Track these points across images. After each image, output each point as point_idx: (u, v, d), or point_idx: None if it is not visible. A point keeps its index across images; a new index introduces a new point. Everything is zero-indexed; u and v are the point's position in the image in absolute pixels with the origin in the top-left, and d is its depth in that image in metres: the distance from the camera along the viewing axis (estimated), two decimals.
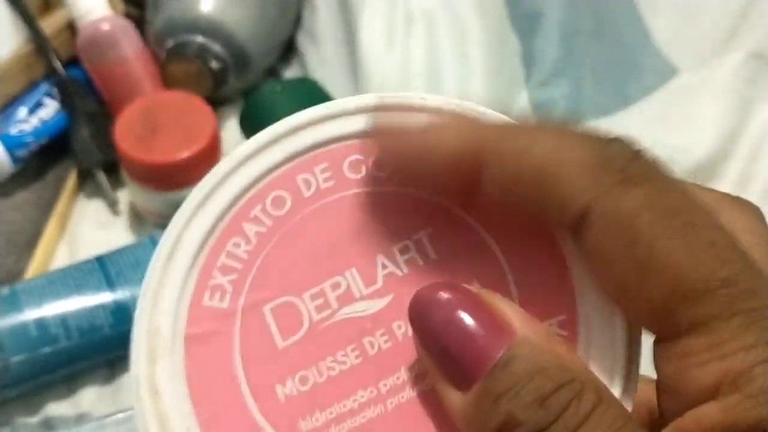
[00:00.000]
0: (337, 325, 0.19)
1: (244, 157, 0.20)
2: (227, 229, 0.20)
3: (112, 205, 0.53)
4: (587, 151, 0.17)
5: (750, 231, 0.19)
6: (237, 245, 0.20)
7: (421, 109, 0.20)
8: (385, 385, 0.18)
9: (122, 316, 0.45)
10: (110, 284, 0.45)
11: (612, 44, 0.58)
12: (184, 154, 0.48)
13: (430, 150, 0.18)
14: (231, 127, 0.57)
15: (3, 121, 0.54)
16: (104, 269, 0.46)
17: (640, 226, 0.16)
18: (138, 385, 0.18)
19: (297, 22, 0.62)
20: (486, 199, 0.18)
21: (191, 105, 0.51)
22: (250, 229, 0.20)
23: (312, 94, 0.55)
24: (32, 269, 0.49)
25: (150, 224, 0.52)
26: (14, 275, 0.49)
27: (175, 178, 0.49)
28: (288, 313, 0.19)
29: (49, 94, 0.55)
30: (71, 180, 0.54)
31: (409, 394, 0.18)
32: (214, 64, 0.55)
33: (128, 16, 0.58)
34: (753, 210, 0.20)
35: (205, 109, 0.51)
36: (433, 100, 0.20)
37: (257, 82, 0.60)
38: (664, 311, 0.16)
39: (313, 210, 0.20)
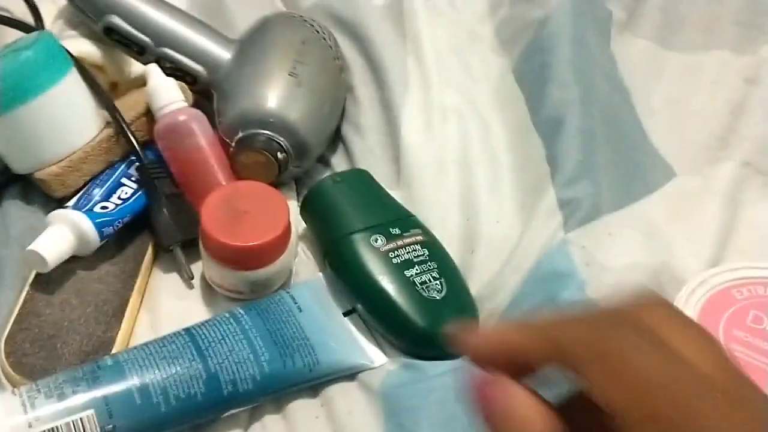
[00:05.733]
0: None
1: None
2: None
3: (188, 280, 0.59)
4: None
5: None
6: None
7: None
8: None
9: (213, 384, 0.50)
10: (201, 356, 0.51)
11: (620, 146, 0.66)
12: (266, 239, 0.55)
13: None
14: None
15: (84, 200, 0.59)
16: (194, 342, 0.52)
17: None
18: None
19: (342, 114, 0.70)
20: None
21: (268, 193, 0.57)
22: None
23: (366, 184, 0.62)
24: (120, 338, 0.55)
25: (221, 297, 0.58)
26: (104, 344, 0.54)
27: (253, 259, 0.56)
28: None
29: (127, 175, 0.61)
30: (149, 254, 0.60)
31: None
32: (280, 155, 0.61)
33: (196, 106, 0.64)
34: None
35: (280, 197, 0.57)
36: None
37: (309, 168, 0.66)
38: None
39: None
